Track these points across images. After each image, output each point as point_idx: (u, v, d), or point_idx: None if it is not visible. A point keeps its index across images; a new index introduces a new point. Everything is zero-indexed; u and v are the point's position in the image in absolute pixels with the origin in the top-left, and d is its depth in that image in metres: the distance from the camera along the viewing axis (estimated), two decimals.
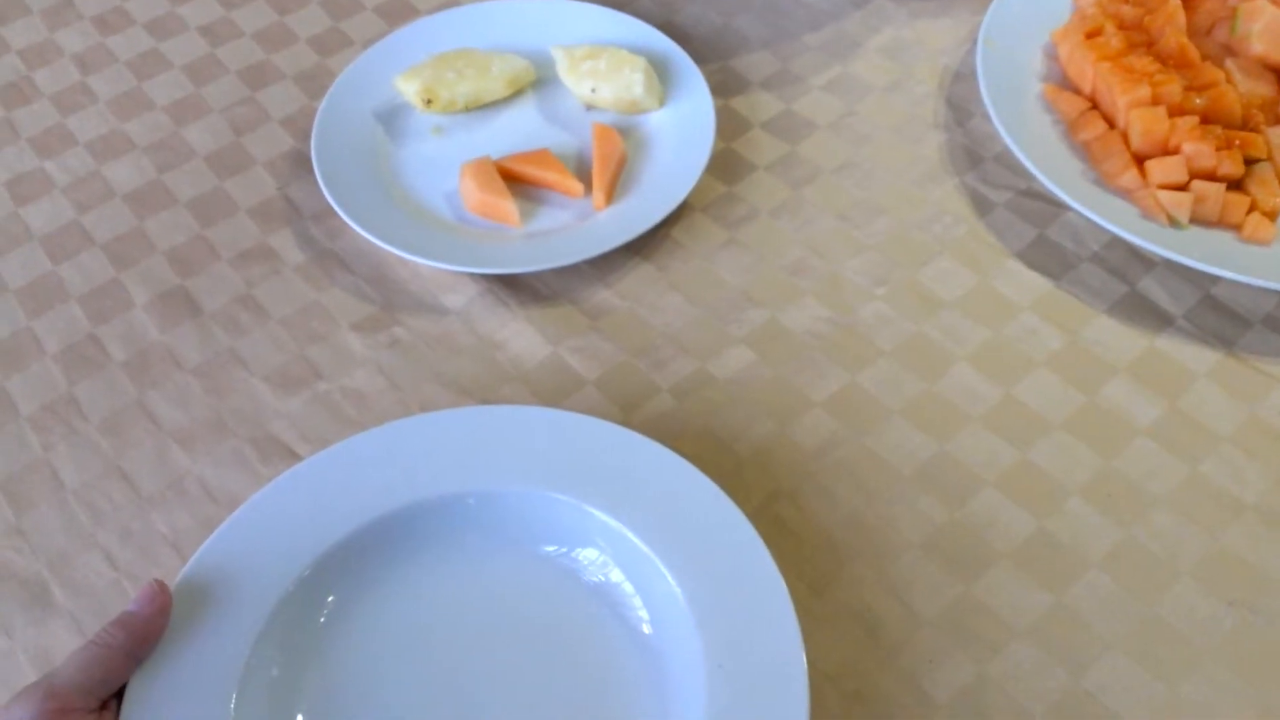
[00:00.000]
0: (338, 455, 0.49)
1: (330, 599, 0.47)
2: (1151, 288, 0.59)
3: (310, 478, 0.48)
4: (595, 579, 0.47)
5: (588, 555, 0.48)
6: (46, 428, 0.57)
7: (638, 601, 0.46)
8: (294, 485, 0.48)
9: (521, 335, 0.59)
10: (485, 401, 0.57)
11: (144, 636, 0.43)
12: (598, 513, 0.47)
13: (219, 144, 0.69)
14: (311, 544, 0.46)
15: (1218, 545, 0.50)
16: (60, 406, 0.58)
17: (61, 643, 0.50)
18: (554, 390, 0.57)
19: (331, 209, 0.63)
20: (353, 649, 0.46)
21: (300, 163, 0.67)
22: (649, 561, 0.46)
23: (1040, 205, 0.63)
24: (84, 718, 0.41)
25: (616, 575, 0.47)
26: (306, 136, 0.68)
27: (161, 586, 0.45)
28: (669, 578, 0.45)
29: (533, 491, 0.48)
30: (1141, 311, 0.58)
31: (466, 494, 0.48)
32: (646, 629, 0.46)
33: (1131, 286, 0.59)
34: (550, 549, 0.48)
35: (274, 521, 0.47)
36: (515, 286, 0.61)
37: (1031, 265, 0.60)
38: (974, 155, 0.66)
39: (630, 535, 0.46)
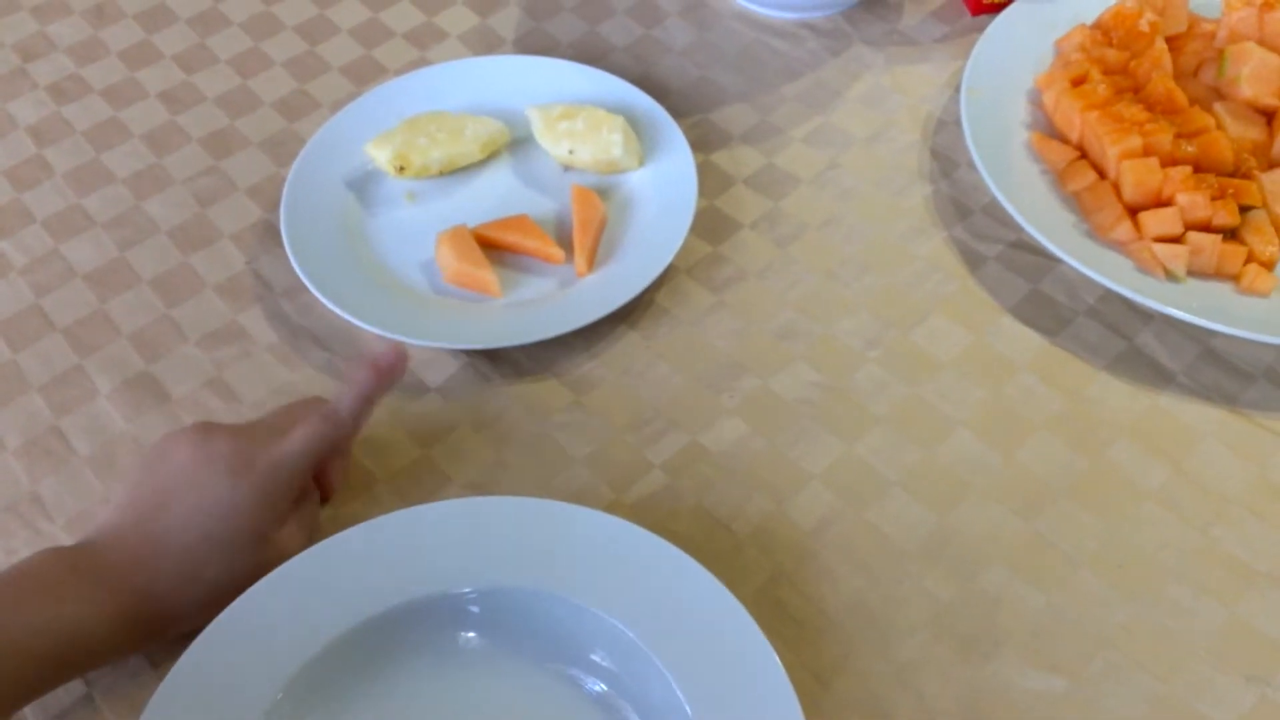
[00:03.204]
0: (306, 564, 0.46)
1: None
2: (1150, 343, 0.58)
3: (282, 587, 0.46)
4: (597, 689, 0.45)
5: (588, 660, 0.45)
6: (8, 530, 0.54)
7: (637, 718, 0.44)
8: (270, 594, 0.46)
9: (506, 412, 0.57)
10: (470, 484, 0.54)
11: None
12: (598, 611, 0.45)
13: (183, 217, 0.66)
14: (285, 662, 0.44)
15: (1233, 617, 0.49)
16: (23, 506, 0.55)
17: None
18: (542, 470, 0.55)
19: (303, 283, 0.61)
20: None
21: (269, 234, 0.65)
22: (651, 665, 0.44)
23: (1032, 258, 0.61)
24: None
25: (617, 684, 0.45)
26: (275, 206, 0.65)
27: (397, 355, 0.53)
28: (672, 683, 0.43)
29: (529, 591, 0.45)
30: (1141, 368, 0.57)
31: (457, 596, 0.46)
32: None
33: (1130, 341, 0.58)
34: (548, 654, 0.46)
35: (247, 638, 0.44)
36: (497, 360, 0.59)
37: (1026, 321, 0.59)
38: (962, 207, 0.64)
39: (631, 635, 0.44)
